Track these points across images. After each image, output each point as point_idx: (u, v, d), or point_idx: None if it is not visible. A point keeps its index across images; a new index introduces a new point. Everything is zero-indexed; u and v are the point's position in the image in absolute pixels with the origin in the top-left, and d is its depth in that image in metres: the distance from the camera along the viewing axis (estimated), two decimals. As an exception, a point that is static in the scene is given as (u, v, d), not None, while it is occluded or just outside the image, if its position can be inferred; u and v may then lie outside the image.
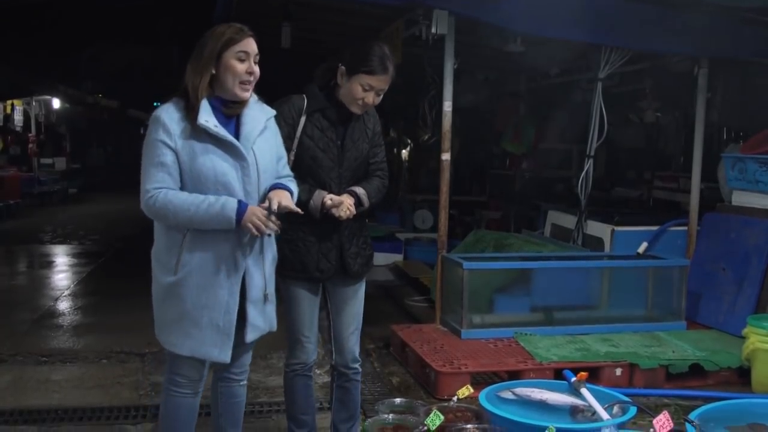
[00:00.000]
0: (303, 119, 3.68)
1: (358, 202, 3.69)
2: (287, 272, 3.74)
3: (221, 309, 3.24)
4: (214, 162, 3.15)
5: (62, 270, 10.35)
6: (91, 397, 5.16)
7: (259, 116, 3.35)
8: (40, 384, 5.42)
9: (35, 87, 19.47)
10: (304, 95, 3.74)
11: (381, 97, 3.70)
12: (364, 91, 3.61)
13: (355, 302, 3.95)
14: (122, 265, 10.51)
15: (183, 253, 3.19)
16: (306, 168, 3.69)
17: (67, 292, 8.63)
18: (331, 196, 3.62)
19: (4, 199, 16.24)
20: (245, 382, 3.62)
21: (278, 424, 4.68)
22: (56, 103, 21.48)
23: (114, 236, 13.42)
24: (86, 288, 8.94)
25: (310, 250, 3.72)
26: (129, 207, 17.88)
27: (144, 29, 24.30)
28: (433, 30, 6.02)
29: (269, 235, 3.29)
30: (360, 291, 3.97)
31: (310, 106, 3.70)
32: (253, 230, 3.14)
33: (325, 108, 3.70)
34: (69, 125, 24.11)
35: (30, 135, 20.12)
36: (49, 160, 21.16)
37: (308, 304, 3.82)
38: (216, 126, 3.15)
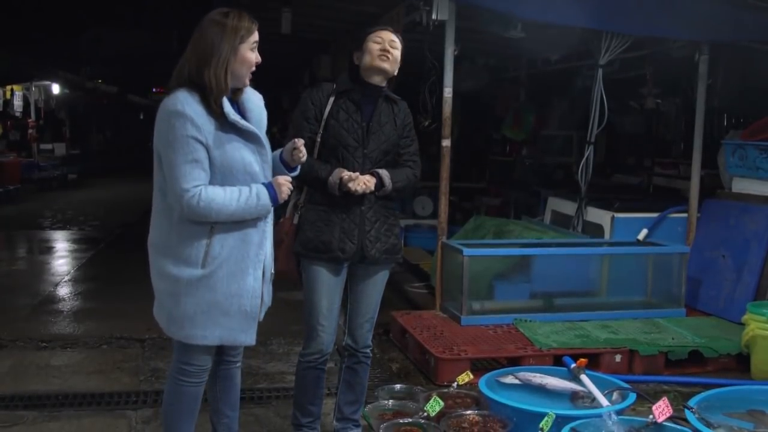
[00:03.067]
0: (330, 102, 3.78)
1: (380, 183, 3.73)
2: (310, 253, 3.77)
3: (249, 294, 3.26)
4: (242, 153, 3.19)
5: (62, 255, 10.35)
6: (91, 383, 5.17)
7: (259, 103, 3.39)
8: (40, 369, 5.43)
9: (35, 72, 19.42)
10: (334, 83, 3.88)
11: (397, 52, 3.78)
12: (377, 44, 3.74)
13: (373, 292, 3.96)
14: (122, 250, 10.50)
15: (212, 244, 3.17)
16: (331, 148, 3.76)
17: (67, 278, 8.64)
18: (349, 173, 3.66)
19: (3, 184, 16.23)
20: (240, 363, 3.63)
21: (278, 411, 4.68)
22: (56, 88, 21.43)
23: (114, 222, 13.41)
24: (86, 273, 8.95)
25: (333, 230, 3.74)
26: (128, 192, 17.93)
27: (144, 14, 24.26)
28: (434, 16, 6.00)
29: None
30: (380, 281, 3.97)
31: (338, 88, 3.81)
32: (288, 192, 3.28)
33: (350, 90, 3.79)
34: (68, 111, 24.05)
35: (29, 120, 20.10)
36: (48, 146, 21.15)
37: (329, 288, 3.81)
38: (242, 120, 3.18)
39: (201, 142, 3.08)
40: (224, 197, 3.11)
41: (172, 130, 3.06)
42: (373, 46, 3.73)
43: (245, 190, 3.16)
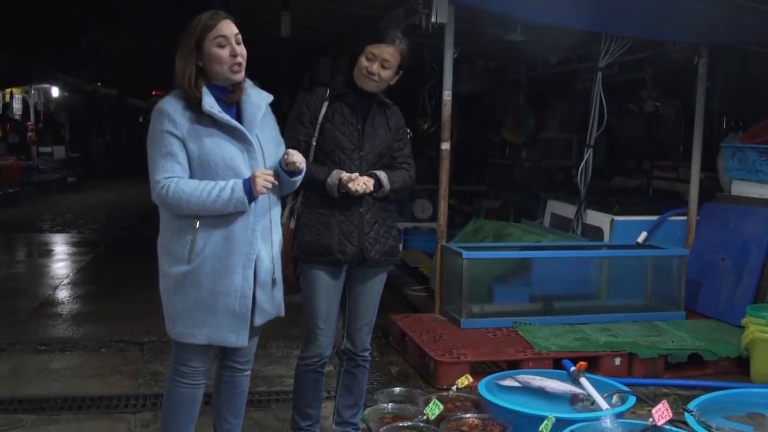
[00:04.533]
0: (325, 105, 3.77)
1: (379, 184, 3.72)
2: (309, 256, 3.75)
3: (237, 294, 3.24)
4: (222, 147, 3.18)
5: (61, 259, 10.34)
6: (90, 386, 5.16)
7: (258, 102, 3.37)
8: (39, 372, 5.43)
9: (34, 75, 19.41)
10: (328, 86, 3.85)
11: (389, 71, 3.72)
12: (368, 61, 3.68)
13: (372, 295, 3.96)
14: (122, 254, 10.50)
15: (196, 240, 3.18)
16: (327, 152, 3.75)
17: (66, 281, 8.62)
18: (348, 173, 3.65)
19: (2, 187, 16.20)
20: (249, 372, 3.63)
21: (278, 414, 4.68)
22: (55, 91, 21.45)
23: (113, 225, 13.38)
24: (85, 277, 8.94)
25: (332, 233, 3.72)
26: (128, 196, 17.91)
27: (144, 17, 24.22)
28: (433, 19, 5.99)
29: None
30: (378, 283, 3.96)
31: (332, 93, 3.79)
32: (267, 190, 3.20)
33: (345, 93, 3.78)
34: (68, 114, 24.07)
35: (29, 123, 20.12)
36: (48, 149, 21.16)
37: (328, 291, 3.81)
38: (220, 112, 3.17)
39: (176, 137, 3.13)
40: (195, 188, 3.12)
41: (153, 127, 3.17)
42: (362, 62, 3.69)
43: (221, 183, 3.15)
